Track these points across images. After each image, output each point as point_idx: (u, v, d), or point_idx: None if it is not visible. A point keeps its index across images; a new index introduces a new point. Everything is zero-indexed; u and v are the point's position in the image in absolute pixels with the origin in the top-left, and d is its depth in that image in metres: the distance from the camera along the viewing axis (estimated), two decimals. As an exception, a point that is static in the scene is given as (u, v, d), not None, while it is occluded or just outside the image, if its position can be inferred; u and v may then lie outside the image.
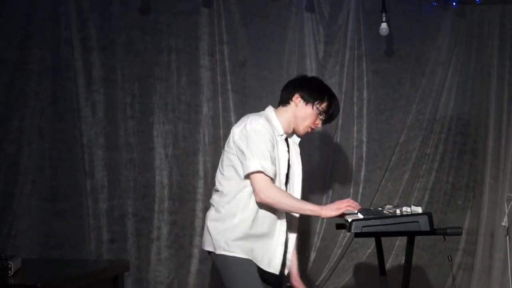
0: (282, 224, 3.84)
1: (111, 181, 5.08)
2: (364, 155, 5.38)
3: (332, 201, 4.38)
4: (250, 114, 3.86)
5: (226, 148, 3.83)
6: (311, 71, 5.24)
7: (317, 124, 3.92)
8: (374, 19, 5.24)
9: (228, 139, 3.81)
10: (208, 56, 5.18)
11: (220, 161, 3.85)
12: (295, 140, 3.99)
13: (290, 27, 5.27)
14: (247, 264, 3.72)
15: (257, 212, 3.75)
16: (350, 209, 3.75)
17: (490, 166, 5.40)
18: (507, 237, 5.25)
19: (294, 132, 3.95)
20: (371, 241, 5.17)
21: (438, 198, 5.45)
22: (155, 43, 5.13)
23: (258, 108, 5.16)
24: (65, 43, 5.02)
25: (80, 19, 5.03)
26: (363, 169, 5.37)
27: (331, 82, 5.29)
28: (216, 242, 3.74)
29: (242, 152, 3.71)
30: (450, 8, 5.40)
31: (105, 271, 3.98)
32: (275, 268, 3.81)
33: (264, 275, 3.79)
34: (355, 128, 5.38)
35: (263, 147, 3.69)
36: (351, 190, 5.37)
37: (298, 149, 3.99)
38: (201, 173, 5.17)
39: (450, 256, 4.04)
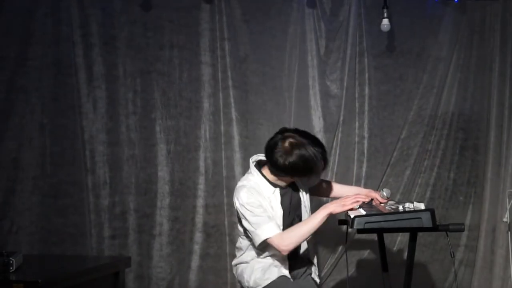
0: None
1: (112, 177, 5.08)
2: (365, 151, 5.37)
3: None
4: (239, 182, 4.01)
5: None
6: (312, 67, 5.24)
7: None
8: (376, 15, 5.23)
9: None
10: (209, 52, 5.17)
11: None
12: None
13: (292, 23, 5.26)
14: None
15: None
16: (358, 204, 3.87)
17: (491, 161, 5.38)
18: (509, 233, 5.25)
19: None
20: (373, 237, 5.16)
21: (440, 194, 5.44)
22: (157, 38, 5.12)
23: (259, 104, 5.20)
24: (66, 39, 5.02)
25: (82, 15, 5.02)
26: (365, 165, 5.36)
27: (333, 78, 5.29)
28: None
29: (246, 225, 3.92)
30: (452, 4, 5.38)
31: (106, 267, 3.99)
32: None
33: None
34: (357, 124, 5.37)
35: (257, 216, 3.85)
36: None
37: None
38: (201, 169, 5.17)
39: (453, 252, 4.03)
